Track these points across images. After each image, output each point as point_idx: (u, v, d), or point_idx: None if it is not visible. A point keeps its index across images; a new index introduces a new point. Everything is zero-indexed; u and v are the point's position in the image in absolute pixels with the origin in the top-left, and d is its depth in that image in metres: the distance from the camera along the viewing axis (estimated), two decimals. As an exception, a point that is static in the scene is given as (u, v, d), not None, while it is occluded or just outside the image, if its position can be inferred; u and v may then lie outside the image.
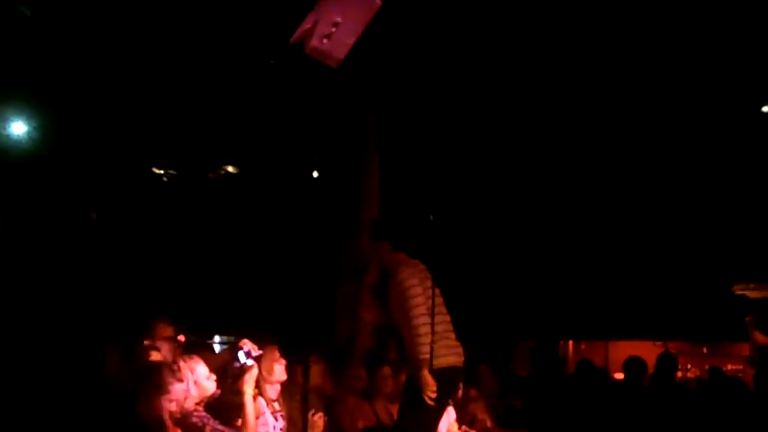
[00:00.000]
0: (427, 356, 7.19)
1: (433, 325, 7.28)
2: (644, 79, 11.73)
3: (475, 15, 10.53)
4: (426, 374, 7.21)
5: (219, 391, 6.86)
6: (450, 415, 8.66)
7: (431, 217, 8.12)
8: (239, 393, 6.71)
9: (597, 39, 10.99)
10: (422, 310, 7.28)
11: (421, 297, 7.31)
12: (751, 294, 8.22)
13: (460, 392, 8.65)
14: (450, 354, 7.48)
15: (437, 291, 7.47)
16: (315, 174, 13.94)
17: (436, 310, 7.38)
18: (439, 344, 7.37)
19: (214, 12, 10.40)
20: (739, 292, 8.21)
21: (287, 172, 14.58)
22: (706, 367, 14.37)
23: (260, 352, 7.07)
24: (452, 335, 7.58)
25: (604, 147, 13.85)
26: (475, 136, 13.51)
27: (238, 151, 14.78)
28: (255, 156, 14.72)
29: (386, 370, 8.77)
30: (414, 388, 7.41)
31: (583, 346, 17.09)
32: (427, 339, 7.19)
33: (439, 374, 7.34)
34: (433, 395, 7.25)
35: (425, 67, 11.27)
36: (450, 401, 8.23)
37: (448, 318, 7.60)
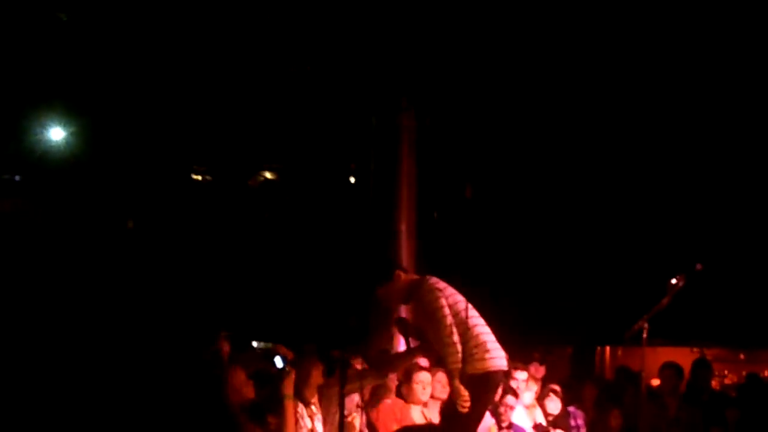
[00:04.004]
0: (458, 365, 7.23)
1: (468, 333, 7.31)
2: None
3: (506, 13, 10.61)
4: (458, 384, 7.25)
5: (255, 397, 6.93)
6: (487, 420, 8.65)
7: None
8: (279, 397, 6.75)
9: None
10: (448, 321, 7.33)
11: (446, 308, 7.37)
12: None
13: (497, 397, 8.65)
14: (487, 359, 7.49)
15: (465, 301, 7.51)
16: (352, 180, 13.96)
17: (469, 319, 7.41)
18: (475, 350, 7.38)
19: (252, 21, 10.47)
20: None
21: (325, 178, 14.62)
22: (744, 373, 14.31)
23: (294, 356, 7.12)
24: (489, 340, 7.59)
25: (648, 158, 13.86)
26: (508, 136, 13.53)
27: (277, 157, 14.83)
28: (293, 162, 14.76)
29: (423, 376, 8.76)
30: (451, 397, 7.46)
31: (619, 352, 17.05)
32: (456, 348, 7.24)
33: (476, 379, 7.36)
34: (466, 404, 7.26)
35: (457, 64, 11.31)
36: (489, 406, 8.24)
37: (482, 324, 7.60)
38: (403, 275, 7.84)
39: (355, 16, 10.69)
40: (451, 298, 7.47)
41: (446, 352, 7.29)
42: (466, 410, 7.24)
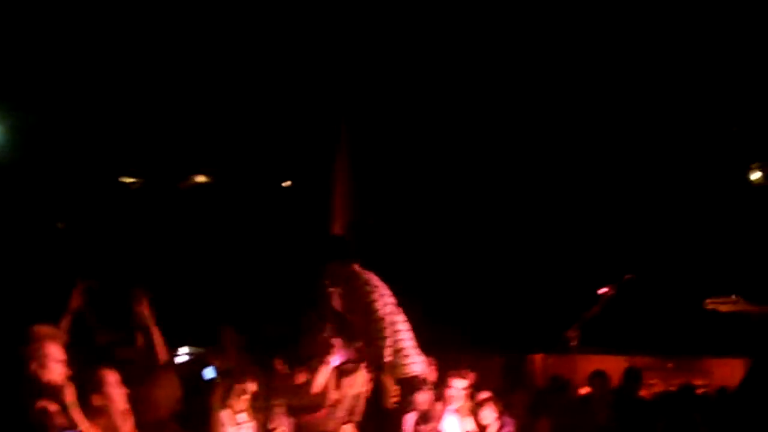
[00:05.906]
0: (390, 359, 7.24)
1: (397, 335, 7.34)
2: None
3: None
4: (386, 379, 7.25)
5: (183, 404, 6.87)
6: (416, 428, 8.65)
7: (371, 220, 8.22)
8: (208, 407, 6.71)
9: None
10: (381, 314, 7.33)
11: (379, 302, 7.37)
12: (722, 308, 8.35)
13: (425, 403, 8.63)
14: (406, 364, 7.50)
15: (394, 304, 7.53)
16: (287, 183, 13.93)
17: (395, 324, 7.44)
18: (403, 354, 7.43)
19: (193, 25, 10.42)
20: (711, 307, 8.34)
21: (259, 181, 14.56)
22: (673, 381, 14.42)
23: (226, 366, 7.09)
24: (408, 346, 7.62)
25: (580, 169, 13.97)
26: (446, 140, 13.57)
27: (209, 160, 14.75)
28: (226, 166, 14.69)
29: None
30: (378, 391, 7.45)
31: (551, 360, 17.11)
32: (388, 342, 7.25)
33: (402, 383, 7.38)
34: (395, 400, 7.27)
35: (393, 71, 11.34)
36: (413, 409, 8.26)
37: (405, 330, 7.62)
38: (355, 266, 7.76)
39: (294, 25, 10.69)
40: (385, 297, 7.48)
41: (377, 345, 7.30)
42: (394, 406, 7.25)
